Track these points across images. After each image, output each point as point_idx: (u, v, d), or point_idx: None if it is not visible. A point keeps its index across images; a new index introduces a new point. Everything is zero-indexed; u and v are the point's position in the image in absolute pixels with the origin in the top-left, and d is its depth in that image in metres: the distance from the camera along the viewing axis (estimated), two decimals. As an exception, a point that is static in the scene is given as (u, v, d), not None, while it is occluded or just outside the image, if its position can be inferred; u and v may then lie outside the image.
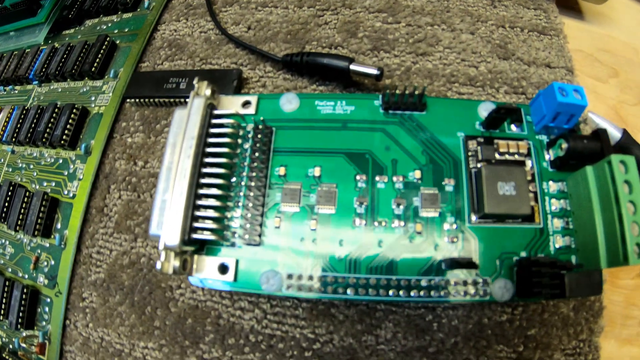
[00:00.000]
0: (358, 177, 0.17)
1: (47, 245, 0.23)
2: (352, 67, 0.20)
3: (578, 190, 0.16)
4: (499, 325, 0.19)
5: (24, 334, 0.22)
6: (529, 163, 0.17)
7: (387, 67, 0.23)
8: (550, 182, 0.17)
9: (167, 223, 0.15)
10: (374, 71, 0.20)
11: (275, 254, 0.16)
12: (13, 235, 0.24)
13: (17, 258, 0.23)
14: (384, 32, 0.24)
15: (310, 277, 0.15)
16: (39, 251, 0.23)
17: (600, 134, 0.17)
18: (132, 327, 0.20)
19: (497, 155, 0.17)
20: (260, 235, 0.16)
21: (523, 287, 0.15)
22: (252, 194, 0.16)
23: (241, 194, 0.16)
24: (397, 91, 0.17)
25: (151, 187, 0.22)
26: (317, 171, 0.17)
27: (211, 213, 0.16)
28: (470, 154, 0.17)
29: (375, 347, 0.18)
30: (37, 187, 0.24)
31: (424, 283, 0.15)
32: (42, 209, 0.23)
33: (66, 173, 0.24)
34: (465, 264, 0.15)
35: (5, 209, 0.24)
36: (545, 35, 0.25)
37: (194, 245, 0.16)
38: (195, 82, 0.17)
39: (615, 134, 0.24)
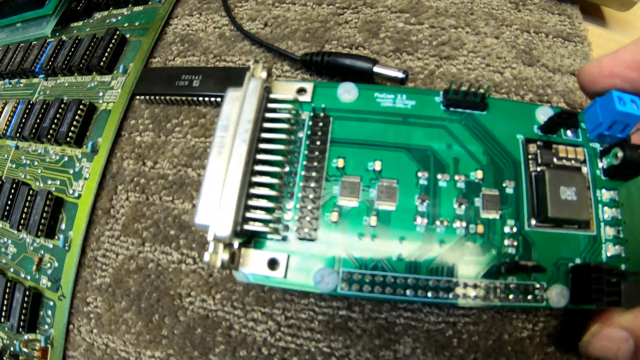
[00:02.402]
0: (420, 174, 0.16)
1: (51, 246, 0.22)
2: (376, 69, 0.19)
3: (631, 200, 0.16)
4: (519, 342, 0.18)
5: (26, 338, 0.21)
6: (584, 170, 0.17)
7: (410, 69, 0.22)
8: (604, 190, 0.17)
9: (218, 211, 0.14)
10: (400, 74, 0.19)
11: (331, 251, 0.15)
12: (16, 234, 0.23)
13: (20, 258, 0.22)
14: (406, 33, 0.23)
15: (373, 277, 0.14)
16: (42, 252, 0.22)
17: None
18: (139, 334, 0.20)
19: (555, 160, 0.17)
20: (315, 230, 0.15)
21: (579, 293, 0.15)
22: (308, 185, 0.15)
23: (296, 185, 0.16)
24: (464, 88, 0.16)
25: (161, 189, 0.21)
26: (377, 165, 0.16)
27: (264, 203, 0.15)
28: (530, 156, 0.17)
29: (394, 363, 0.18)
30: (42, 185, 0.23)
31: (484, 286, 0.15)
32: (46, 208, 0.22)
33: (72, 172, 0.23)
34: (531, 267, 0.15)
35: (8, 207, 0.23)
36: (570, 42, 0.25)
37: (243, 238, 0.15)
38: (251, 63, 0.16)
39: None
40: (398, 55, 0.22)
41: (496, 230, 0.16)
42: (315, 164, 0.16)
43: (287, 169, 0.16)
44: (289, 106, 0.16)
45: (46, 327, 0.21)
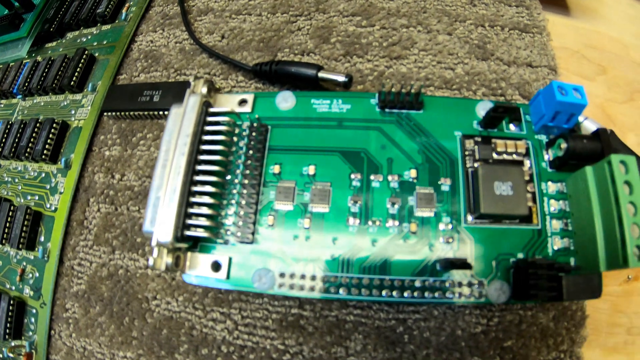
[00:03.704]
0: (353, 176, 0.17)
1: (32, 257, 0.23)
2: (321, 74, 0.20)
3: (577, 191, 0.16)
4: (473, 337, 0.18)
5: (13, 344, 0.23)
6: (527, 163, 0.17)
7: (359, 72, 0.22)
8: (549, 183, 0.17)
9: (159, 220, 0.15)
10: (342, 78, 0.20)
11: (268, 252, 0.16)
12: (0, 248, 0.24)
13: (5, 270, 0.24)
14: (357, 36, 0.23)
15: (303, 276, 0.15)
16: (25, 263, 0.23)
17: (600, 134, 0.16)
18: (112, 337, 0.21)
19: (494, 155, 0.17)
20: (253, 233, 0.16)
21: (520, 289, 0.15)
22: (246, 191, 0.16)
23: (235, 192, 0.17)
24: (393, 89, 0.17)
25: (128, 200, 0.23)
26: (311, 169, 0.17)
27: (205, 210, 0.16)
28: (467, 153, 0.17)
29: (346, 358, 0.18)
30: (22, 200, 0.25)
31: (418, 284, 0.15)
32: (26, 222, 0.23)
33: (48, 187, 0.24)
34: (459, 264, 0.15)
35: (-8, 223, 0.24)
36: (527, 34, 0.25)
37: (187, 243, 0.16)
38: (191, 80, 0.17)
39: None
40: (348, 59, 0.23)
41: (431, 228, 0.16)
42: (253, 171, 0.17)
43: (228, 177, 0.17)
44: (226, 118, 0.17)
45: (30, 333, 0.23)
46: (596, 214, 0.15)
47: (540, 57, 0.24)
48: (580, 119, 0.23)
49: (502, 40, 0.24)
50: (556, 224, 0.16)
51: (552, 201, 0.16)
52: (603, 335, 0.21)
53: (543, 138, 0.18)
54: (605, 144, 0.16)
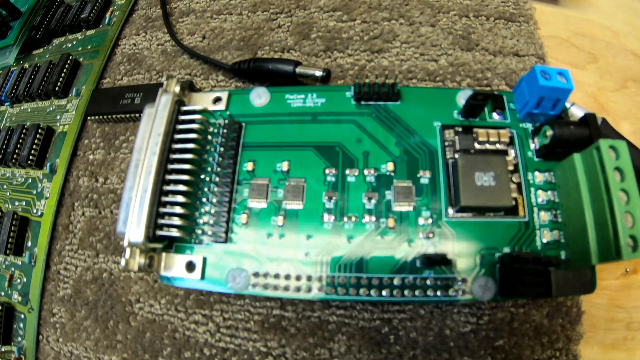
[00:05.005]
0: (327, 171, 0.16)
1: (20, 263, 0.23)
2: (298, 70, 0.20)
3: (566, 180, 0.15)
4: (462, 337, 0.18)
5: (2, 350, 0.23)
6: (512, 152, 0.16)
7: (340, 67, 0.22)
8: (536, 173, 0.16)
9: (131, 220, 0.15)
10: (319, 73, 0.19)
11: (242, 251, 0.15)
12: (-11, 254, 0.25)
13: (-7, 276, 0.24)
14: (337, 31, 0.23)
15: (277, 276, 0.15)
16: (13, 269, 0.23)
17: (588, 119, 0.16)
18: (97, 341, 0.21)
19: (476, 145, 0.16)
20: (227, 233, 0.16)
21: (506, 285, 0.14)
22: (219, 190, 0.16)
23: (209, 190, 0.16)
24: (367, 80, 0.16)
25: (111, 203, 0.22)
26: (285, 165, 0.16)
27: (178, 210, 0.15)
28: (447, 144, 0.16)
29: None
30: (10, 206, 0.25)
31: (397, 282, 0.15)
32: (13, 228, 0.23)
33: (35, 192, 0.24)
34: (438, 260, 0.14)
35: (-20, 230, 0.24)
36: (513, 23, 0.24)
37: (161, 243, 0.16)
38: (163, 79, 0.17)
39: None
40: (329, 54, 0.22)
41: (410, 223, 0.15)
42: (226, 169, 0.16)
43: (202, 176, 0.16)
44: (198, 117, 0.16)
45: (19, 338, 0.23)
46: (586, 203, 0.14)
47: (527, 46, 0.23)
48: (567, 104, 0.22)
49: (487, 30, 0.24)
50: (545, 216, 0.15)
51: (540, 192, 0.16)
52: (601, 332, 0.20)
53: (529, 126, 0.17)
54: (593, 129, 0.16)
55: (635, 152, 0.21)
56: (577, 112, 0.22)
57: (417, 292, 0.15)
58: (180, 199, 0.15)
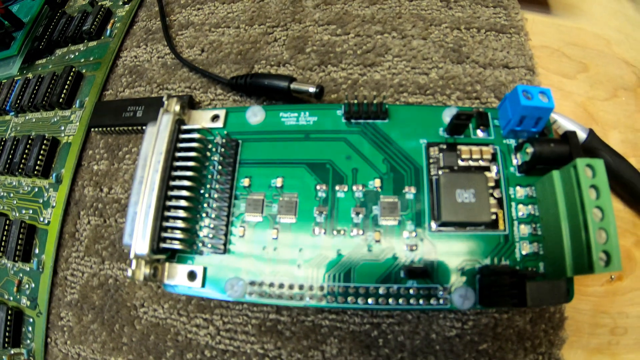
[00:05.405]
0: (318, 187, 0.17)
1: (28, 269, 0.24)
2: (292, 86, 0.21)
3: (545, 196, 0.16)
4: (447, 341, 0.19)
5: (12, 352, 0.24)
6: (494, 168, 0.17)
7: (333, 81, 0.23)
8: (518, 187, 0.17)
9: (137, 233, 0.16)
10: (312, 89, 0.20)
11: (239, 262, 0.17)
12: (-1, 260, 0.26)
13: (3, 282, 0.25)
14: (331, 45, 0.24)
15: (271, 285, 0.16)
16: (21, 275, 0.25)
17: (569, 137, 0.16)
18: (104, 343, 0.22)
19: (459, 162, 0.17)
20: (225, 244, 0.17)
21: (485, 295, 0.15)
22: (217, 204, 0.17)
23: (208, 205, 0.17)
24: (356, 101, 0.17)
25: (115, 212, 0.23)
26: (279, 182, 0.17)
27: (179, 223, 0.17)
28: (431, 161, 0.17)
29: (322, 361, 0.19)
30: (17, 214, 0.26)
31: (382, 291, 0.16)
32: (21, 235, 0.24)
33: (41, 201, 0.25)
34: (419, 273, 0.15)
35: (-10, 237, 0.25)
36: (504, 34, 0.25)
37: (164, 254, 0.17)
38: (164, 99, 0.18)
39: (580, 135, 0.23)
40: (323, 68, 0.23)
41: (395, 236, 0.16)
42: (224, 185, 0.17)
43: (201, 191, 0.17)
44: (197, 135, 0.17)
45: (28, 341, 0.24)
46: (563, 218, 0.15)
47: (517, 58, 0.24)
48: (555, 117, 0.23)
49: (477, 42, 0.24)
50: (524, 229, 0.16)
51: (521, 206, 0.17)
52: (585, 337, 0.20)
53: (512, 142, 0.18)
54: (573, 146, 0.16)
55: (621, 161, 0.22)
56: (564, 124, 0.23)
57: (400, 301, 0.16)
58: (181, 213, 0.16)
